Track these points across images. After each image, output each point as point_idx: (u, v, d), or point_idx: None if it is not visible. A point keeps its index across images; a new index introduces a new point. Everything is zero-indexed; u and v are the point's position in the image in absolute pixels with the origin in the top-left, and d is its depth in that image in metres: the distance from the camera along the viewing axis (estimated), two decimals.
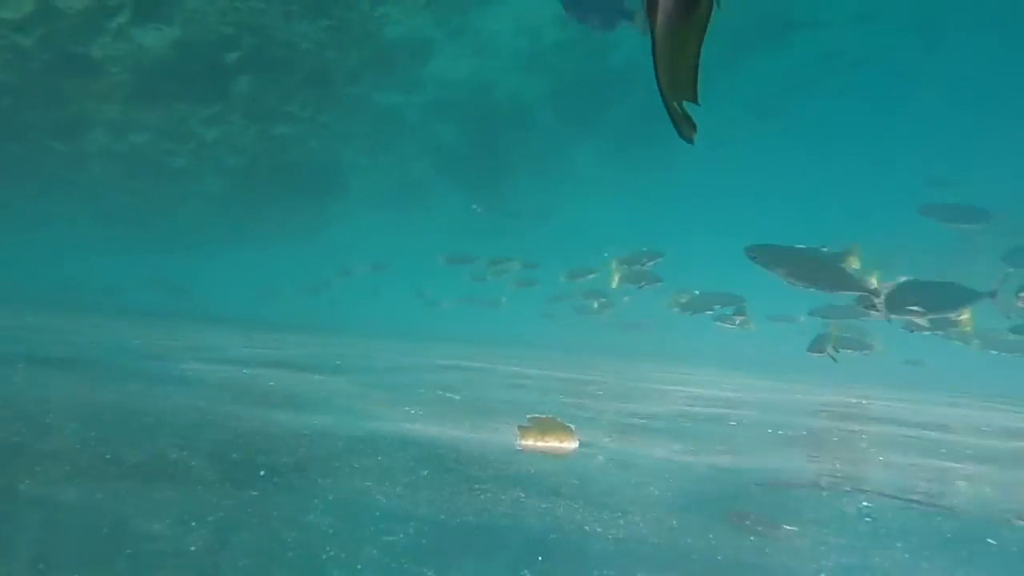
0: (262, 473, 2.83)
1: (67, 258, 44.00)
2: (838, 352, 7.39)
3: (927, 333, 6.24)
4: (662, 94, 1.36)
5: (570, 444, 3.96)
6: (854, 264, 5.06)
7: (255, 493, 2.54)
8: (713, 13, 1.24)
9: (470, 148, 23.39)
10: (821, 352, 7.42)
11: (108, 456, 2.87)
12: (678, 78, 1.34)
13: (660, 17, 1.27)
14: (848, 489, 3.80)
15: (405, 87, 19.55)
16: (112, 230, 31.70)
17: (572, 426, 4.08)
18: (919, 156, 22.17)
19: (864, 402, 11.04)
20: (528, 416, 4.37)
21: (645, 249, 9.86)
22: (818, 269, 4.87)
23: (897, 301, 5.04)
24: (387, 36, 16.53)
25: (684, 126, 1.42)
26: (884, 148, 23.83)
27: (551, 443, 3.94)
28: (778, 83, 21.34)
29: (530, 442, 3.95)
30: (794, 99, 22.10)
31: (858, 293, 5.01)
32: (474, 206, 26.24)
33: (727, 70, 20.40)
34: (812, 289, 4.94)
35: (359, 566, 1.94)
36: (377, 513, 2.41)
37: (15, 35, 14.16)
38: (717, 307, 9.05)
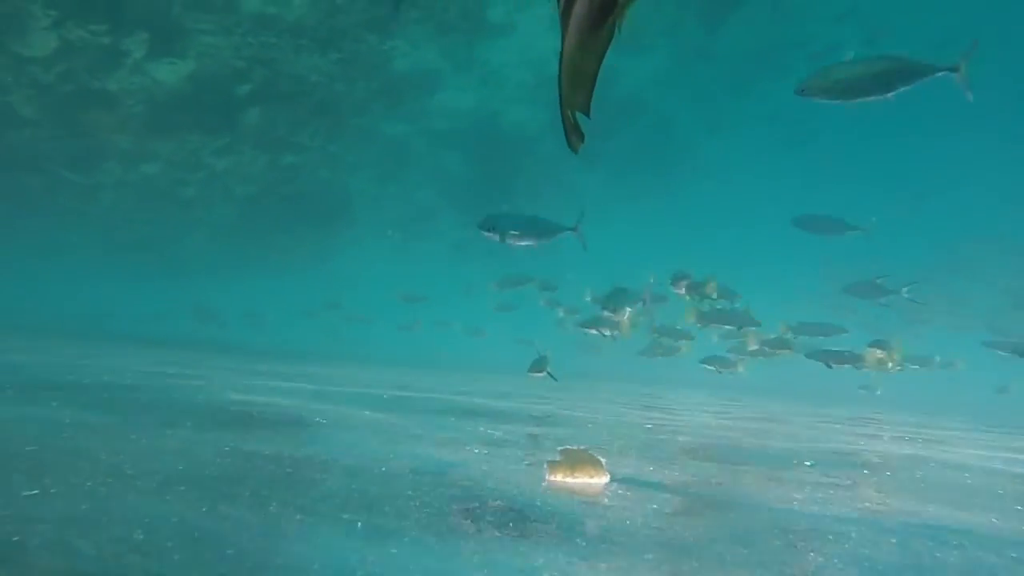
0: None
1: (85, 288, 44.55)
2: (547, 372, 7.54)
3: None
4: (560, 102, 1.48)
5: (601, 479, 3.73)
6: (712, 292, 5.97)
7: None
8: (614, 37, 1.36)
9: (476, 177, 23.72)
10: (540, 372, 7.57)
11: None
12: (577, 91, 1.45)
13: (571, 32, 1.37)
14: None
15: (412, 118, 19.96)
16: (124, 259, 32.14)
17: (603, 460, 3.85)
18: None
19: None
20: (559, 449, 4.07)
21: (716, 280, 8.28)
22: (535, 229, 6.30)
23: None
24: (395, 68, 16.95)
25: (573, 136, 1.53)
26: (883, 177, 24.03)
27: (581, 478, 3.71)
28: (785, 112, 21.61)
29: (559, 478, 3.70)
30: (800, 127, 22.36)
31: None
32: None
33: (736, 99, 20.75)
34: (529, 245, 6.43)
35: None
36: None
37: (37, 71, 14.63)
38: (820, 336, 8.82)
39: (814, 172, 24.74)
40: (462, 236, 28.36)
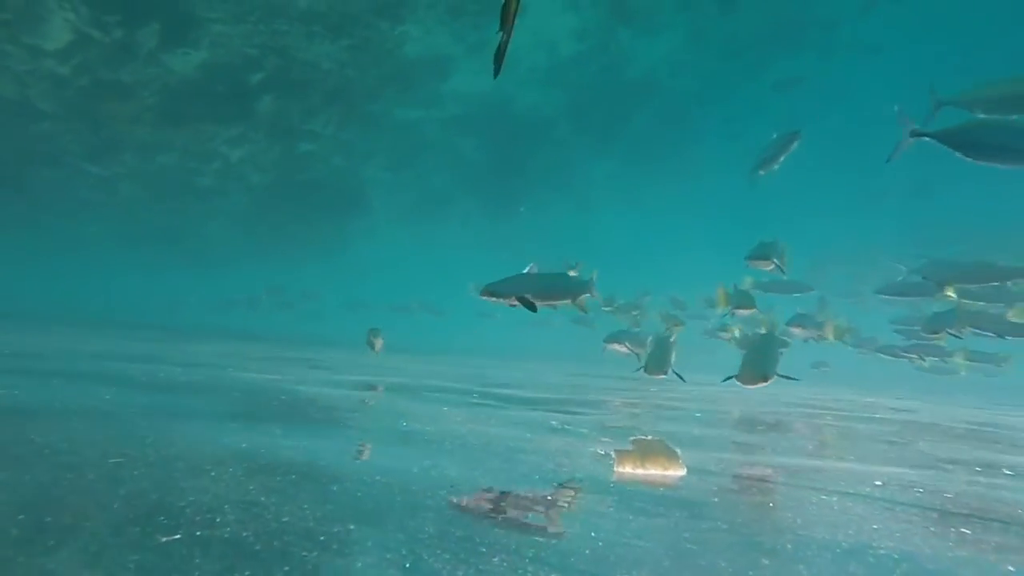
0: None
1: (106, 279, 45.23)
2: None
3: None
4: (505, 27, 1.82)
5: (676, 472, 3.34)
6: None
7: None
8: None
9: (490, 162, 23.63)
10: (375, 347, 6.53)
11: None
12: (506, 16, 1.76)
13: None
14: None
15: (425, 103, 19.87)
16: (143, 250, 32.52)
17: (678, 450, 3.46)
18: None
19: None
20: (631, 439, 3.70)
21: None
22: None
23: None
24: (407, 54, 16.85)
25: (499, 60, 1.83)
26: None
27: (653, 471, 3.34)
28: (795, 98, 21.21)
29: (628, 469, 3.35)
30: (807, 115, 21.93)
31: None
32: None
33: (749, 83, 20.39)
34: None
35: None
36: None
37: (53, 64, 14.74)
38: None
39: (831, 155, 24.32)
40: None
